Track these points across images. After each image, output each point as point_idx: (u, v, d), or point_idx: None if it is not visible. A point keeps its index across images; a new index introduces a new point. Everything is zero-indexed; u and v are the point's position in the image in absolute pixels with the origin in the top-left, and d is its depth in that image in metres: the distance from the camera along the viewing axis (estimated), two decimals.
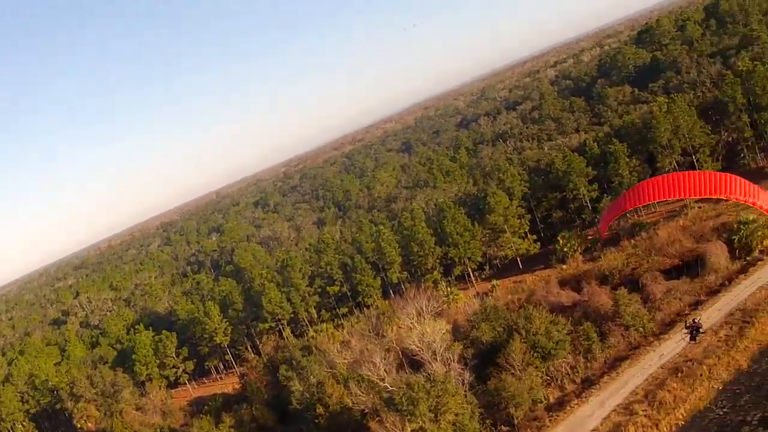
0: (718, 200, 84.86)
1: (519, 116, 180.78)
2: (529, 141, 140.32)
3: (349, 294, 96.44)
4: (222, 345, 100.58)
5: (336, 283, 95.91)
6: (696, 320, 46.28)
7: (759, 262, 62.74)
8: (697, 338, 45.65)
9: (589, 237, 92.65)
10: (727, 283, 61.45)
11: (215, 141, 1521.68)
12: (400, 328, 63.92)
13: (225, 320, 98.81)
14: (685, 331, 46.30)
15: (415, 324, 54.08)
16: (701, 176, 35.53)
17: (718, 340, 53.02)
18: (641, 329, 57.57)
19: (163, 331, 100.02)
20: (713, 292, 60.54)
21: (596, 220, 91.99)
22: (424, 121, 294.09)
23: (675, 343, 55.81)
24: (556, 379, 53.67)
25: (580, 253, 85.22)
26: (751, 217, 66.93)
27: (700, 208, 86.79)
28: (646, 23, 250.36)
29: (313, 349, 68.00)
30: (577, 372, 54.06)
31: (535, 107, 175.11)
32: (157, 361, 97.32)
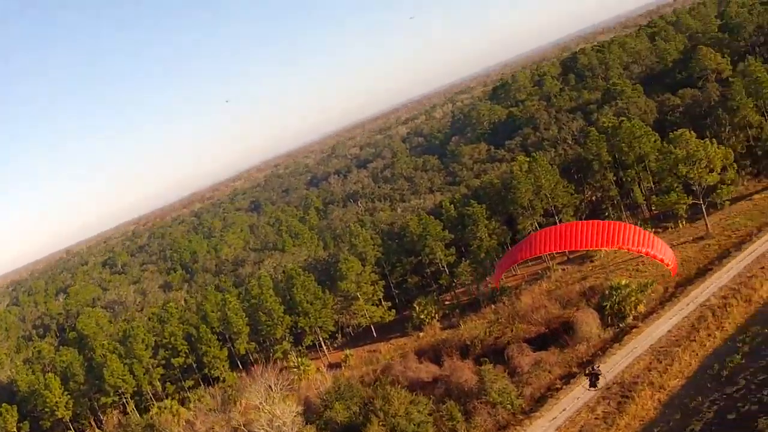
0: (582, 262, 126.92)
1: (370, 175, 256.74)
2: (381, 201, 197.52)
3: (195, 366, 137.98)
4: (64, 419, 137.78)
5: (181, 354, 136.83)
6: (595, 367, 70.87)
7: (633, 330, 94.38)
8: (597, 385, 69.96)
9: (447, 302, 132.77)
10: (600, 353, 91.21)
11: (64, 197, 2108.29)
12: (248, 407, 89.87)
13: (66, 393, 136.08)
14: (586, 378, 70.97)
15: (264, 404, 76.57)
16: (600, 226, 54.32)
17: (596, 418, 78.98)
18: (509, 406, 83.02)
19: (3, 404, 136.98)
20: (585, 364, 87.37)
21: (453, 284, 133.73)
22: (274, 179, 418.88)
23: (548, 422, 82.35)
24: None
25: (438, 320, 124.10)
26: (623, 282, 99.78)
27: (563, 270, 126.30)
28: (501, 78, 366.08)
29: (157, 428, 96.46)
30: None
31: (386, 165, 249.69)
32: None
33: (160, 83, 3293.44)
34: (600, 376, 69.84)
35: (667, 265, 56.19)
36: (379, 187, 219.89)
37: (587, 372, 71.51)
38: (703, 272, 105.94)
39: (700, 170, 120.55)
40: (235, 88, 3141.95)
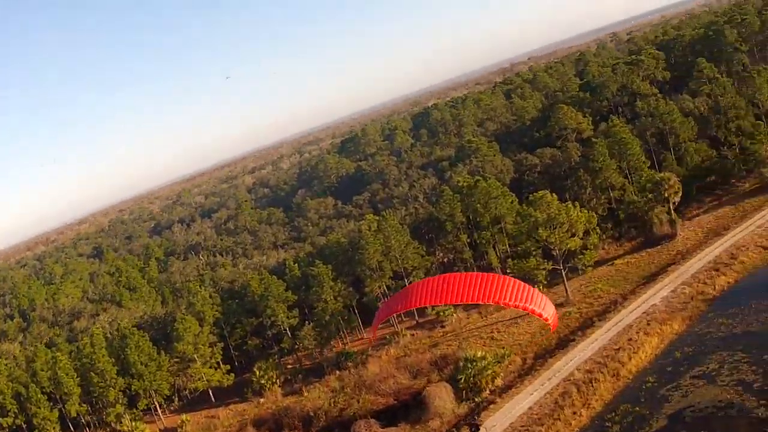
0: (432, 327, 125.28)
1: (214, 225, 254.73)
2: (223, 255, 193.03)
3: (24, 427, 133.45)
4: None
5: (10, 414, 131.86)
6: (476, 418, 71.58)
7: (490, 405, 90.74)
8: None
9: (289, 367, 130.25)
10: (454, 430, 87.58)
11: None
12: None
13: None
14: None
15: None
16: (481, 279, 54.77)
17: None
18: None
19: None
20: None
21: (296, 348, 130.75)
22: (118, 224, 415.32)
23: None
24: None
25: (280, 386, 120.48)
26: (478, 353, 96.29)
27: (413, 335, 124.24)
28: (351, 131, 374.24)
29: None
30: None
31: (230, 216, 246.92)
32: None
33: None
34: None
35: (546, 320, 56.47)
36: (221, 239, 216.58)
37: (470, 424, 71.51)
38: (564, 343, 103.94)
39: (561, 235, 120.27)
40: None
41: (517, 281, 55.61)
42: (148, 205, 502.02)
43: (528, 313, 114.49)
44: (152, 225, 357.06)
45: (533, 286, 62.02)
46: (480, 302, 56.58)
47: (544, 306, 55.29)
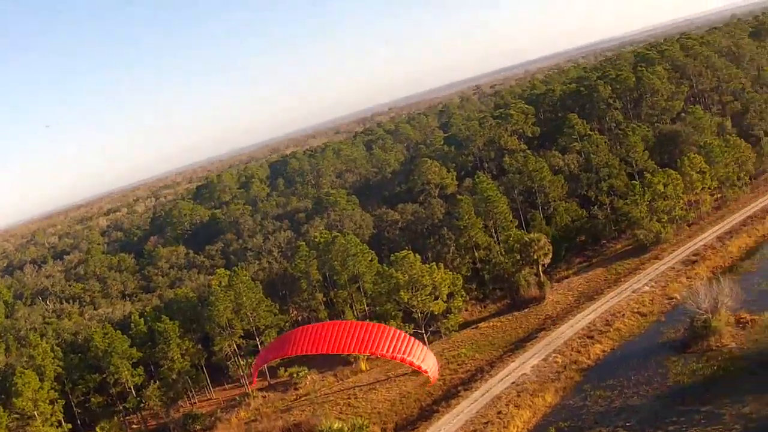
0: (285, 389, 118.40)
1: (64, 269, 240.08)
2: (70, 302, 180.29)
3: None
4: None
5: None
6: None
7: None
8: None
9: (134, 427, 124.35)
10: None
11: None
12: None
13: None
14: None
15: None
16: (358, 327, 53.14)
17: None
18: None
19: None
20: None
21: (142, 407, 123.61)
22: None
23: None
24: None
25: None
26: (335, 425, 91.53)
27: (264, 397, 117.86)
28: (207, 177, 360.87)
29: None
30: None
31: (81, 261, 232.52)
32: None
33: None
34: None
35: (426, 372, 55.82)
36: (70, 285, 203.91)
37: None
38: (427, 414, 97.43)
39: (424, 297, 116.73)
40: None
41: (398, 331, 54.29)
42: (2, 243, 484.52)
43: (386, 379, 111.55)
44: (5, 264, 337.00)
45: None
46: (359, 353, 56.56)
47: (424, 358, 54.38)
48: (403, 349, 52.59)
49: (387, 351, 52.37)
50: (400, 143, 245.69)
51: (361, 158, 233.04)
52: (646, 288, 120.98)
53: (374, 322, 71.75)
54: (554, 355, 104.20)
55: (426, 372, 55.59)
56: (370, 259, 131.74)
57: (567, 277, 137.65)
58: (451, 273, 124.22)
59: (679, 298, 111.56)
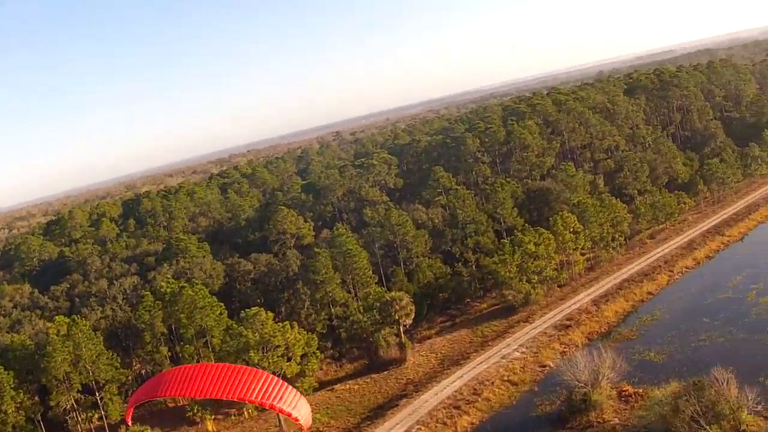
0: None
1: None
2: None
3: None
4: None
5: None
6: None
7: None
8: None
9: None
10: None
11: None
12: None
13: None
14: None
15: None
16: (230, 371, 51.63)
17: None
18: None
19: None
20: None
21: None
22: None
23: None
24: None
25: None
26: None
27: None
28: (59, 211, 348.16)
29: None
30: None
31: None
32: None
33: None
34: None
35: (297, 420, 55.40)
36: None
37: None
38: None
39: (276, 358, 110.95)
40: None
41: (270, 375, 53.61)
42: None
43: None
44: None
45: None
46: (229, 398, 53.37)
47: (296, 404, 54.16)
48: (275, 394, 51.99)
49: (258, 397, 51.64)
50: (257, 188, 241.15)
51: (215, 202, 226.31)
52: (517, 354, 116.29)
53: (247, 366, 69.78)
54: (417, 427, 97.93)
55: (298, 420, 55.01)
56: (219, 312, 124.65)
57: (429, 337, 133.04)
58: (305, 333, 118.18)
59: (552, 365, 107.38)
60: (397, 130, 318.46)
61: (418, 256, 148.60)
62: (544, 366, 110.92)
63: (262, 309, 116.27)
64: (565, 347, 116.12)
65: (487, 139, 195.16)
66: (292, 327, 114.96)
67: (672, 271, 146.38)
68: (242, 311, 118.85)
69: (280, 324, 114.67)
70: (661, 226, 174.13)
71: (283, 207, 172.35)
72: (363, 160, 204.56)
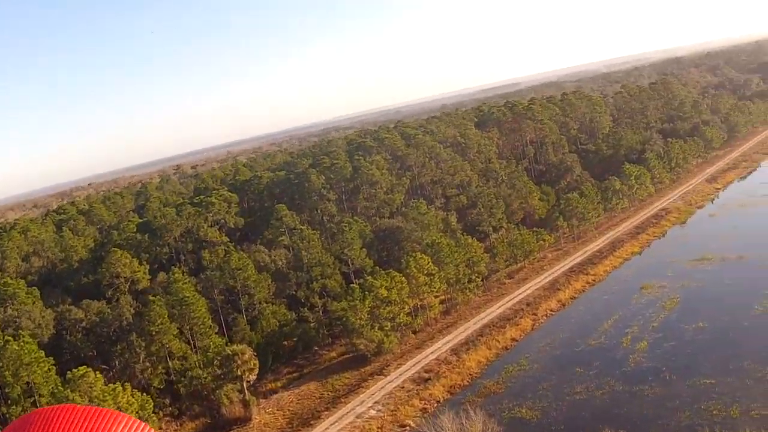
0: None
1: None
2: None
3: None
4: None
5: None
6: None
7: None
8: None
9: None
10: None
11: None
12: None
13: None
14: None
15: None
16: (87, 417, 47.54)
17: None
18: None
19: None
20: None
21: None
22: None
23: None
24: None
25: None
26: None
27: None
28: None
29: None
30: None
31: None
32: None
33: None
34: None
35: None
36: None
37: None
38: None
39: None
40: None
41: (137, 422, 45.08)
42: None
43: None
44: None
45: None
46: None
47: None
48: None
49: None
50: (93, 225, 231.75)
51: (49, 240, 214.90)
52: (373, 412, 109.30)
53: (112, 410, 64.58)
54: None
55: None
56: (47, 368, 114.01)
57: (276, 391, 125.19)
58: (140, 394, 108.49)
59: (414, 425, 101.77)
60: (238, 165, 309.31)
61: (261, 302, 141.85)
62: (404, 426, 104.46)
63: (89, 369, 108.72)
64: (425, 403, 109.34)
65: (332, 175, 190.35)
66: (124, 388, 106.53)
67: (536, 315, 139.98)
68: (69, 371, 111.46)
69: (110, 386, 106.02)
70: (519, 265, 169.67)
71: (116, 248, 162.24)
72: (201, 197, 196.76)
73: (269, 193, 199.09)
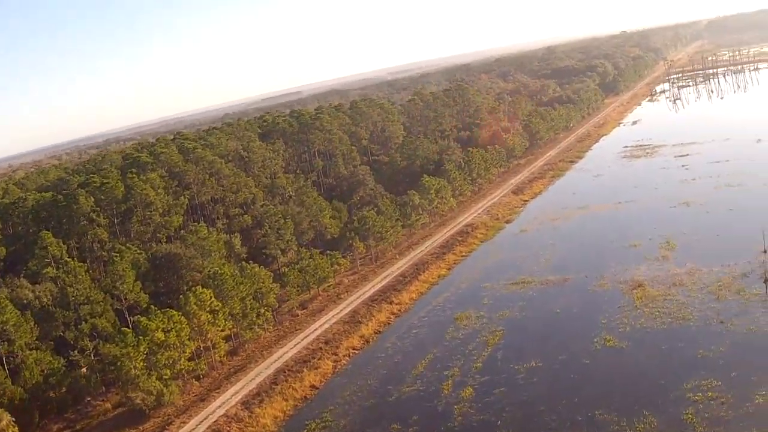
0: None
1: None
2: None
3: None
4: None
5: None
6: None
7: None
8: None
9: None
10: None
11: None
12: None
13: None
14: None
15: None
16: None
17: None
18: None
19: None
20: None
21: None
22: None
23: None
24: None
25: None
26: None
27: None
28: None
29: None
30: None
31: None
32: None
33: None
34: None
35: None
36: None
37: None
38: None
39: None
40: None
41: None
42: None
43: None
44: None
45: None
46: None
47: None
48: None
49: None
50: None
51: None
52: None
53: None
54: None
55: None
56: None
57: None
58: None
59: None
60: (9, 183, 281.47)
61: (23, 349, 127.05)
62: None
63: None
64: None
65: (103, 197, 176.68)
66: None
67: (337, 355, 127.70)
68: None
69: None
70: (312, 293, 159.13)
71: None
72: None
73: (35, 217, 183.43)
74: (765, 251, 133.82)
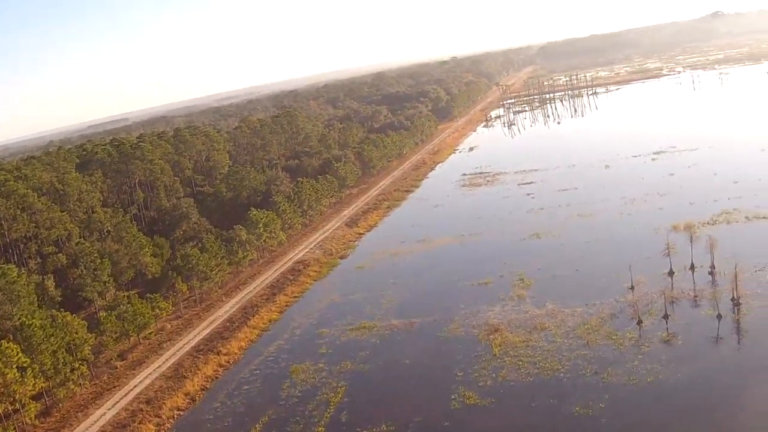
0: None
1: None
2: None
3: None
4: None
5: None
6: None
7: None
8: None
9: None
10: None
11: None
12: None
13: None
14: None
15: None
16: None
17: None
18: None
19: None
20: None
21: None
22: None
23: None
24: None
25: None
26: None
27: None
28: None
29: None
30: None
31: None
32: None
33: None
34: None
35: None
36: None
37: None
38: None
39: None
40: None
41: None
42: None
43: None
44: None
45: None
46: None
47: None
48: None
49: None
50: None
51: None
52: None
53: None
54: None
55: None
56: None
57: None
58: None
59: None
60: None
61: None
62: None
63: None
64: None
65: None
66: None
67: (160, 417, 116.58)
68: None
69: None
70: (132, 341, 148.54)
71: None
72: None
73: None
74: (632, 288, 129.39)
